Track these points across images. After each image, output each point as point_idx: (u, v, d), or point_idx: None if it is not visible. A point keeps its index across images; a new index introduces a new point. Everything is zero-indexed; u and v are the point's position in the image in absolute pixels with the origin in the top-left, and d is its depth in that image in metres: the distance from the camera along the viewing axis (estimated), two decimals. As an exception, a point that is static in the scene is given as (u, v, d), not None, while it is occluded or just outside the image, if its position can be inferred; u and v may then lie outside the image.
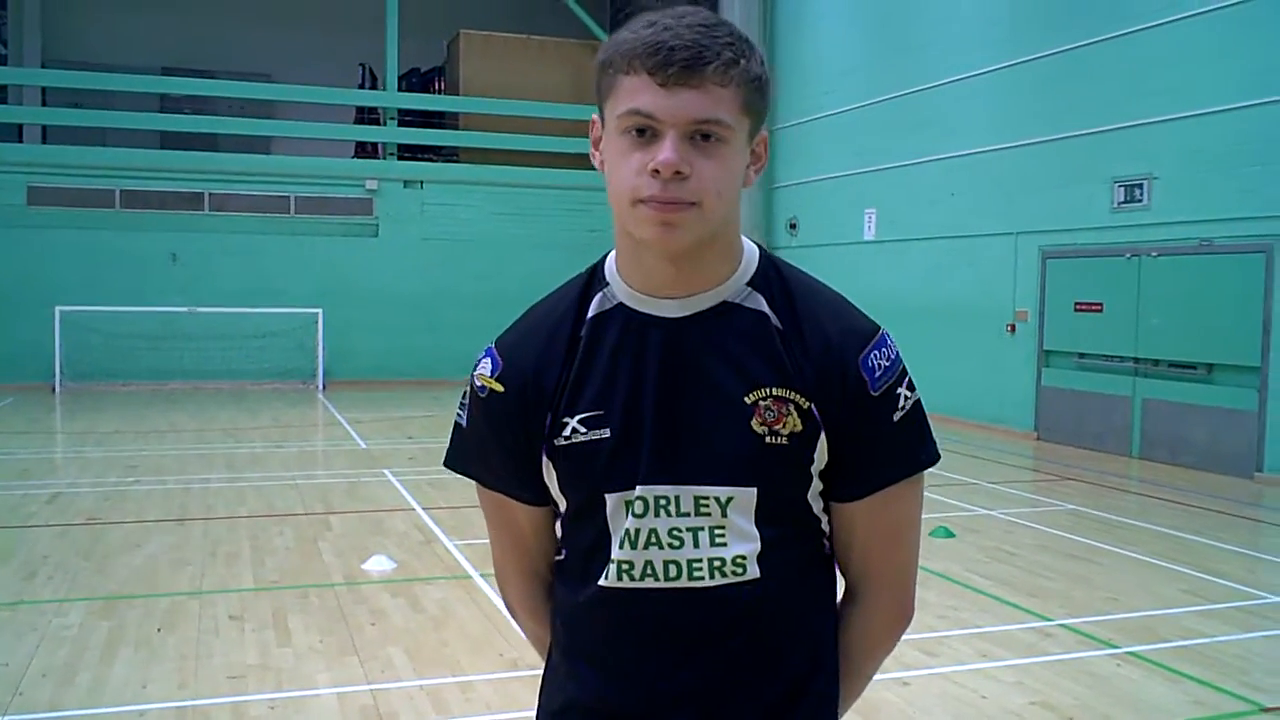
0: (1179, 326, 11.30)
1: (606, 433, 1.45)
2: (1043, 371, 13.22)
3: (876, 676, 1.71)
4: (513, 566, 1.64)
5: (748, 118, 1.40)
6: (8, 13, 20.08)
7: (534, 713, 1.64)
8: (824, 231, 17.38)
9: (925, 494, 1.61)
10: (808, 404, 1.44)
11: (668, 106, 1.34)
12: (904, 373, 1.50)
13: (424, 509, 8.67)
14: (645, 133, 1.36)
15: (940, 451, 1.55)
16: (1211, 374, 11.03)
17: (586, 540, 1.49)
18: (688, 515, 1.44)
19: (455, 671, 4.98)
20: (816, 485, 1.49)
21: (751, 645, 1.46)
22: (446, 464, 1.62)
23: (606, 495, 1.45)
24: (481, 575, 6.59)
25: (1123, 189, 11.93)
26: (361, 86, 21.14)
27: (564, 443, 1.47)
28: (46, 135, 19.62)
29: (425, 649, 5.28)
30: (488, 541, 1.69)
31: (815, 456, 1.45)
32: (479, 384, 1.54)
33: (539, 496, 1.54)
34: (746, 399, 1.43)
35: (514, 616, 1.72)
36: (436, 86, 21.73)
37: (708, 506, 1.43)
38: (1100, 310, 12.29)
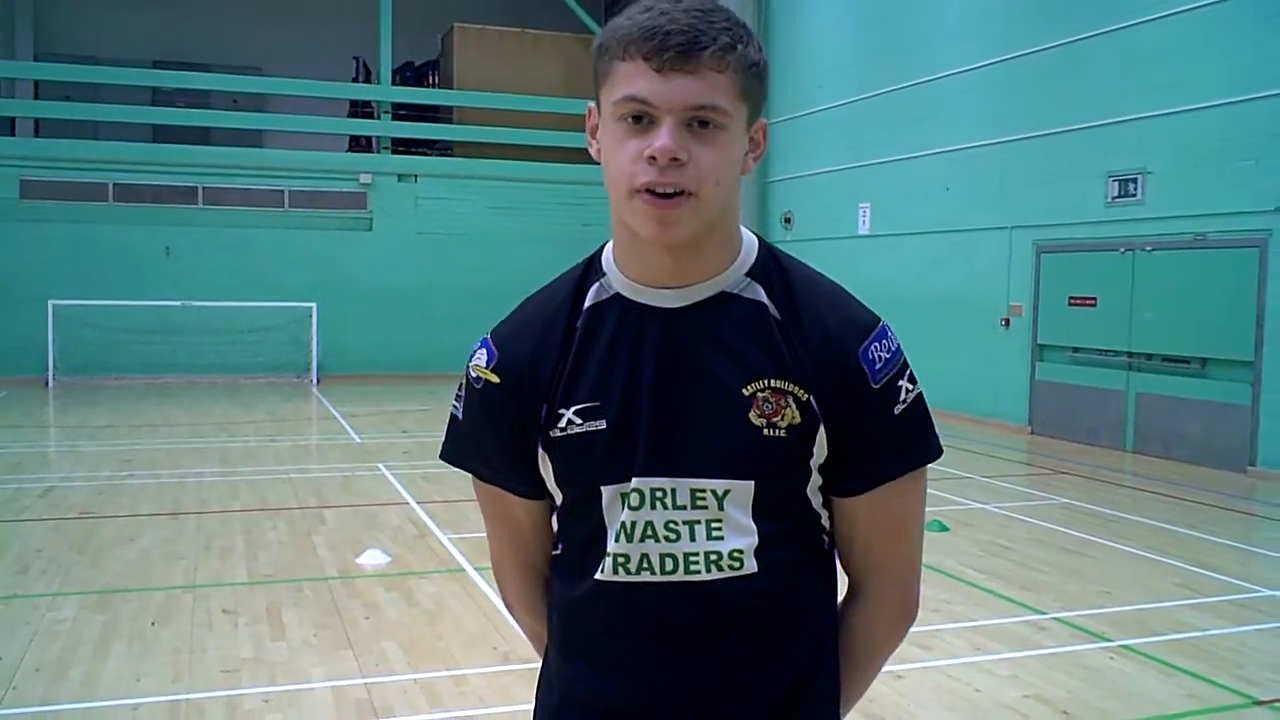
0: (1173, 321, 11.32)
1: (602, 424, 1.43)
2: (1037, 366, 13.24)
3: (871, 670, 1.70)
4: (510, 561, 1.63)
5: (745, 104, 1.38)
6: (-1, 5, 20.02)
7: (530, 709, 1.63)
8: (819, 226, 17.38)
9: None
10: (807, 396, 1.42)
11: (664, 93, 1.33)
12: (905, 365, 1.48)
13: (418, 503, 8.66)
14: (642, 119, 1.34)
15: (943, 447, 1.53)
16: (1205, 368, 11.05)
17: (582, 534, 1.48)
18: (684, 508, 1.42)
19: (449, 665, 4.98)
20: (816, 480, 1.47)
21: (750, 641, 1.45)
22: (443, 457, 1.61)
23: (602, 487, 1.44)
24: (476, 569, 6.59)
25: (1117, 183, 11.94)
26: (355, 80, 21.09)
27: (559, 434, 1.45)
28: (39, 129, 19.56)
29: (420, 643, 5.28)
30: (482, 535, 1.68)
31: (814, 450, 1.43)
32: (474, 375, 1.52)
33: (535, 490, 1.53)
34: (745, 390, 1.42)
35: (511, 613, 1.70)
36: (430, 80, 21.68)
37: (704, 499, 1.42)
38: (1094, 304, 12.31)
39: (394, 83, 20.49)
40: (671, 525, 1.42)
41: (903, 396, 1.46)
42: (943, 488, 9.29)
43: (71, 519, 7.95)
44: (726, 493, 1.42)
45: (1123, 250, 11.86)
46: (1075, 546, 7.51)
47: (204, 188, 19.12)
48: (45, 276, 17.79)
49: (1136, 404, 11.81)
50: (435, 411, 14.66)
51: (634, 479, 1.42)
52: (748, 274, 1.47)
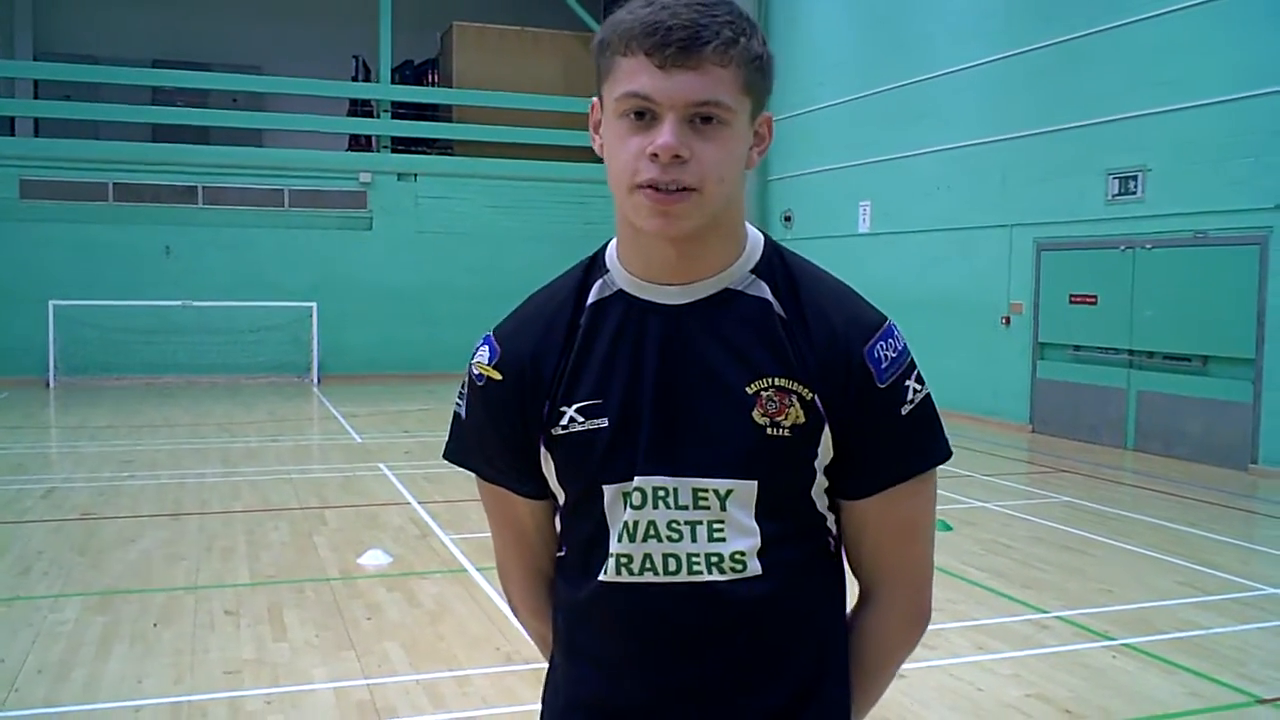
0: (1173, 318, 11.31)
1: (604, 422, 1.42)
2: (1037, 364, 13.23)
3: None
4: (515, 563, 1.62)
5: (749, 98, 1.36)
6: (-1, 6, 20.01)
7: (532, 709, 1.62)
8: (819, 224, 17.37)
9: None
10: (811, 395, 1.40)
11: (665, 88, 1.31)
12: (912, 365, 1.46)
13: (420, 503, 8.66)
14: (644, 115, 1.33)
15: (952, 449, 1.50)
16: (1206, 366, 11.05)
17: (585, 533, 1.47)
18: (686, 508, 1.40)
19: (452, 666, 4.98)
20: (821, 482, 1.45)
21: (754, 644, 1.43)
22: (446, 456, 1.59)
23: (604, 486, 1.42)
24: (478, 569, 6.58)
25: (1117, 181, 11.93)
26: (355, 79, 21.06)
27: (561, 432, 1.44)
28: (38, 128, 19.54)
29: (422, 643, 5.27)
30: (484, 535, 1.68)
31: (819, 451, 1.42)
32: (476, 372, 1.51)
33: (539, 489, 1.51)
34: (748, 389, 1.40)
35: (517, 616, 1.69)
36: (430, 79, 21.67)
37: (706, 499, 1.40)
38: (1095, 302, 12.30)
39: (393, 81, 20.49)
40: (674, 525, 1.41)
41: (910, 396, 1.44)
42: (944, 486, 9.24)
43: (73, 520, 7.95)
44: (729, 493, 1.40)
45: (1123, 248, 11.85)
46: (1077, 545, 7.50)
47: (204, 187, 19.12)
48: (45, 277, 17.78)
49: (1137, 402, 11.80)
50: (436, 411, 14.65)
51: (636, 478, 1.41)
52: (752, 271, 1.45)
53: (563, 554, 1.54)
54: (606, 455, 1.42)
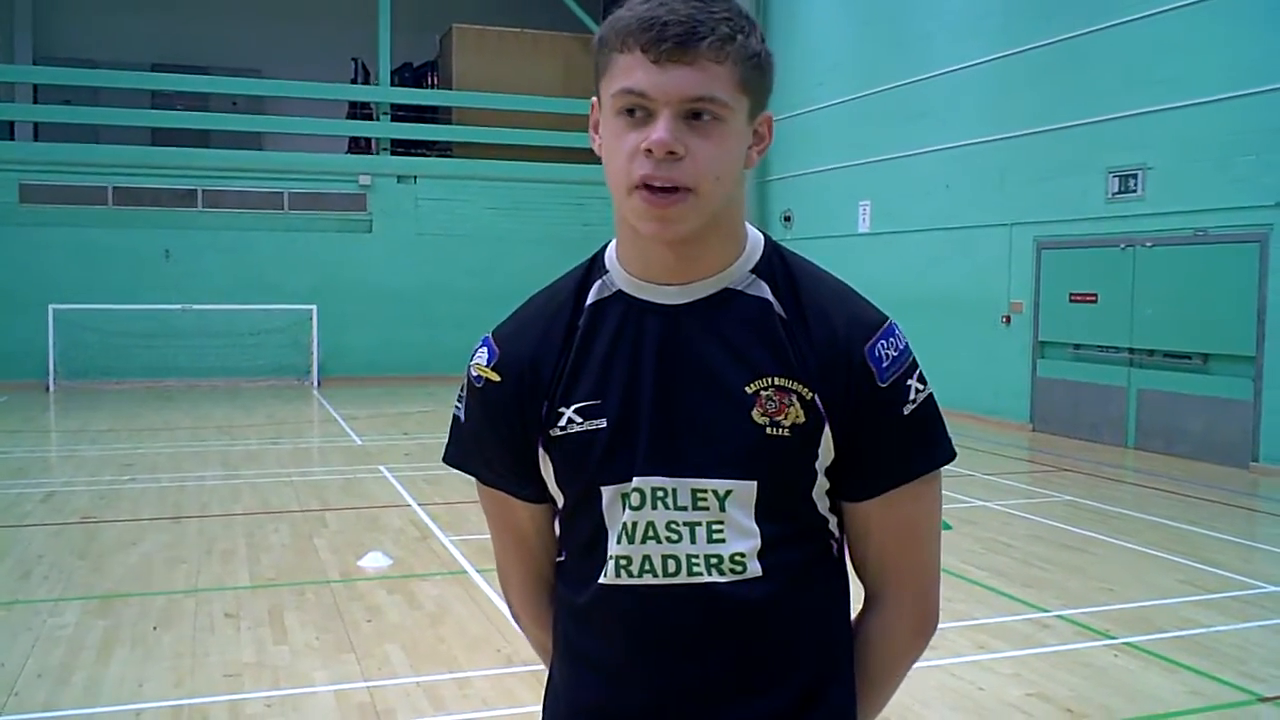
0: (1174, 317, 11.31)
1: (603, 423, 1.41)
2: (1038, 362, 13.23)
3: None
4: (514, 569, 1.61)
5: (746, 96, 1.35)
6: (-2, 10, 20.02)
7: (531, 710, 1.62)
8: (819, 224, 17.37)
9: None
10: (811, 395, 1.39)
11: (660, 84, 1.30)
12: (914, 365, 1.44)
13: (420, 505, 8.66)
14: (639, 112, 1.32)
15: (955, 449, 1.48)
16: (1206, 364, 11.04)
17: (584, 536, 1.45)
18: (685, 509, 1.39)
19: (452, 668, 4.97)
20: (822, 483, 1.43)
21: (756, 646, 1.41)
22: (445, 460, 1.58)
23: (602, 487, 1.41)
24: (478, 571, 6.58)
25: (1117, 179, 11.93)
26: (354, 81, 21.07)
27: (560, 433, 1.43)
28: (38, 132, 19.56)
29: (422, 645, 5.27)
30: (484, 537, 1.67)
31: (819, 451, 1.40)
32: (475, 374, 1.50)
33: (538, 493, 1.50)
34: (748, 388, 1.39)
35: (518, 623, 1.67)
36: (429, 81, 21.68)
37: (705, 500, 1.39)
38: (1095, 301, 12.29)
39: (393, 84, 20.49)
40: (673, 525, 1.40)
41: (912, 396, 1.42)
42: (945, 486, 9.14)
43: (73, 524, 7.95)
44: (728, 493, 1.39)
45: (1123, 246, 11.84)
46: (1077, 543, 7.49)
47: (203, 190, 19.12)
48: (45, 281, 17.77)
49: (1138, 400, 11.80)
50: (436, 413, 14.65)
51: (634, 478, 1.40)
52: (752, 270, 1.44)
53: (562, 558, 1.53)
54: (605, 456, 1.41)
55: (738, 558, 1.40)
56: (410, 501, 8.82)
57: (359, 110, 20.97)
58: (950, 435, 1.48)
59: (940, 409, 1.47)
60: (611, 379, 1.42)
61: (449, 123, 21.04)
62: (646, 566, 1.41)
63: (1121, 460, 11.28)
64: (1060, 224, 12.74)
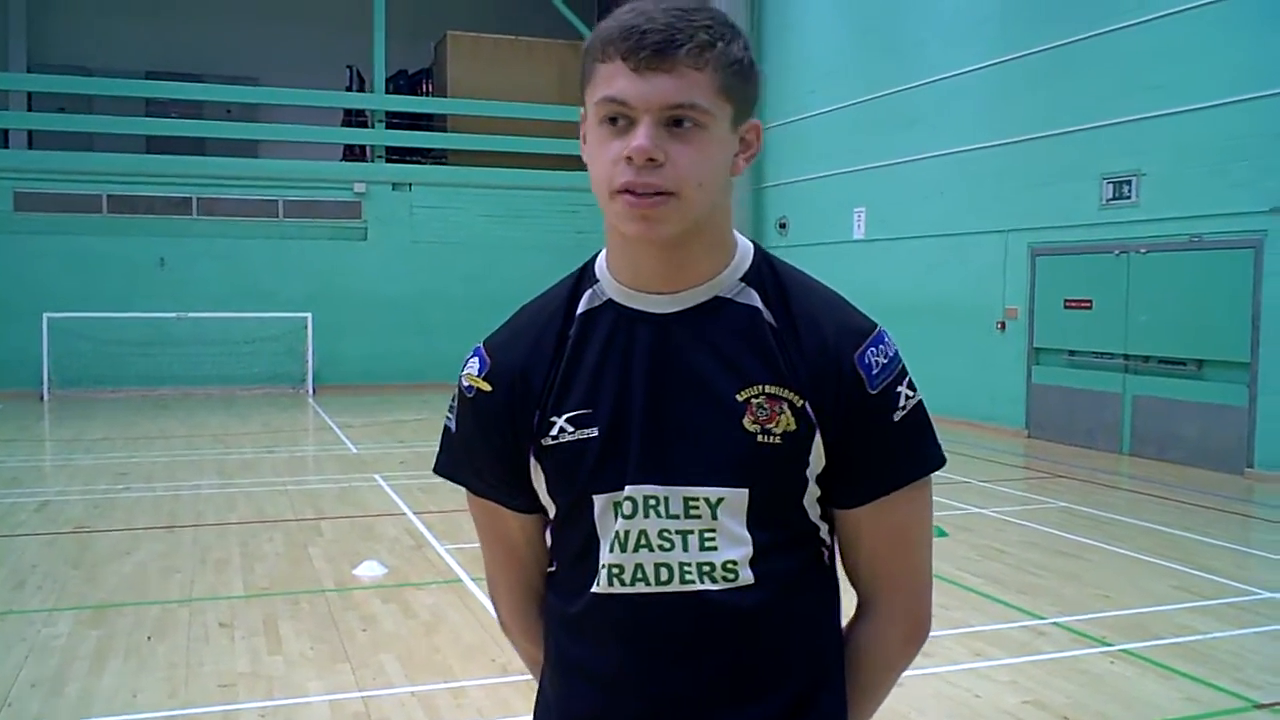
0: (1168, 323, 11.32)
1: (594, 431, 1.41)
2: (1033, 369, 13.24)
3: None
4: (505, 580, 1.60)
5: (728, 102, 1.35)
6: (-8, 18, 20.01)
7: (525, 720, 1.61)
8: (813, 231, 17.39)
9: None
10: (802, 402, 1.39)
11: (640, 92, 1.31)
12: (904, 372, 1.45)
13: (415, 514, 8.64)
14: (621, 121, 1.33)
15: (946, 456, 1.49)
16: (1201, 370, 11.06)
17: (576, 545, 1.45)
18: (677, 517, 1.39)
19: (447, 677, 4.96)
20: (813, 491, 1.43)
21: (748, 654, 1.42)
22: (436, 470, 1.58)
23: (594, 496, 1.41)
24: (473, 580, 6.56)
25: (1111, 185, 11.95)
26: (349, 89, 21.10)
27: (551, 442, 1.43)
28: (32, 140, 19.55)
29: (417, 655, 5.25)
30: (478, 546, 1.65)
31: (810, 459, 1.40)
32: (466, 384, 1.50)
33: (529, 503, 1.50)
34: (738, 396, 1.39)
35: (508, 635, 1.67)
36: (424, 88, 21.69)
37: (697, 508, 1.39)
38: (1090, 307, 12.31)
39: (388, 91, 20.51)
40: (665, 534, 1.40)
41: (902, 403, 1.43)
42: (939, 492, 9.27)
43: (67, 533, 7.92)
44: (720, 501, 1.39)
45: (1118, 252, 11.86)
46: (1073, 550, 7.49)
47: (198, 198, 19.12)
48: (40, 289, 17.75)
49: (1133, 406, 11.81)
50: (431, 421, 14.63)
51: (626, 487, 1.40)
52: (742, 279, 1.44)
53: (553, 568, 1.53)
54: (597, 465, 1.41)
55: (730, 565, 1.40)
56: (405, 510, 8.80)
57: (354, 118, 20.99)
58: (942, 442, 1.49)
59: (932, 415, 1.48)
60: (603, 388, 1.42)
61: (444, 130, 21.05)
62: (639, 575, 1.41)
63: (1117, 466, 11.28)
64: (1055, 230, 12.76)
